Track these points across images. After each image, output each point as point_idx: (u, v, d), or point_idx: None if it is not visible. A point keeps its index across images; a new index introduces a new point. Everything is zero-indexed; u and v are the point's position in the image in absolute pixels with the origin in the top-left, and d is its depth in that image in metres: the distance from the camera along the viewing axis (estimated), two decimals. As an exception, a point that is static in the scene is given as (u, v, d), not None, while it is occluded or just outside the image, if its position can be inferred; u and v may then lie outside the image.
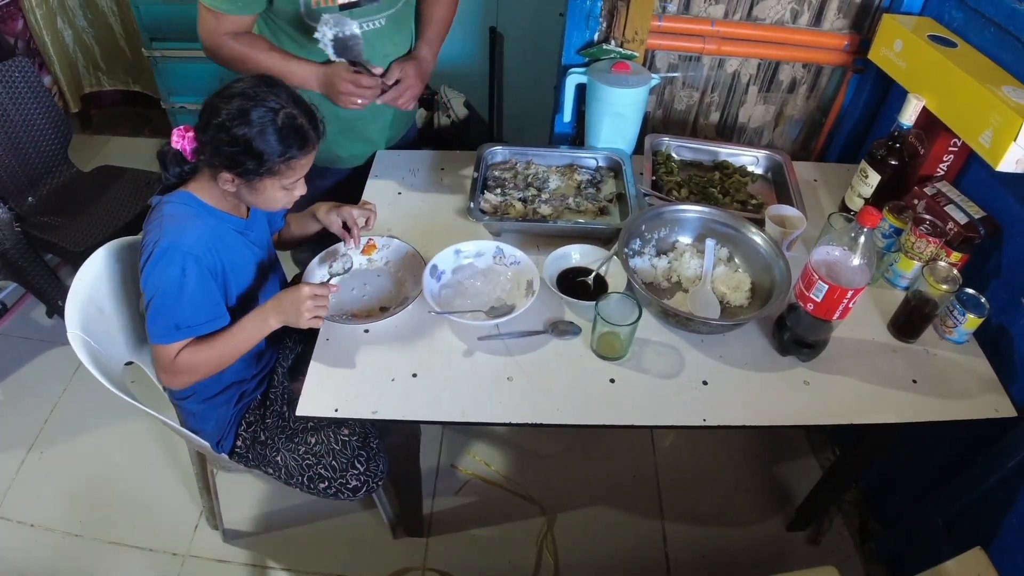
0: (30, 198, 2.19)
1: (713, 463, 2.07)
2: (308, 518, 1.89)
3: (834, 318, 1.23)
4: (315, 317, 1.22)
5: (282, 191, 1.23)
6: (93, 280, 1.39)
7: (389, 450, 1.50)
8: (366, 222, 1.46)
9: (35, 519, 1.87)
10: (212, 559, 1.81)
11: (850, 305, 1.22)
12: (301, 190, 1.27)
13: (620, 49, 1.69)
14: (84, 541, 1.83)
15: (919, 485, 1.66)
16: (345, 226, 1.45)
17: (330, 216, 1.44)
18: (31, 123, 2.15)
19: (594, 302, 1.27)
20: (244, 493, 1.93)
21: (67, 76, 2.98)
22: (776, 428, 1.81)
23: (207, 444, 1.41)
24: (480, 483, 1.99)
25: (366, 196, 1.67)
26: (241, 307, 1.33)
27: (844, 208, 1.63)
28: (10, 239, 2.02)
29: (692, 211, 1.49)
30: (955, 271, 1.35)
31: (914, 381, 1.31)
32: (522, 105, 2.93)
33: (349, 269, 1.38)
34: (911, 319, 1.37)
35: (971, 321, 1.33)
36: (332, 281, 1.35)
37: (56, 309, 2.28)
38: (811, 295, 1.22)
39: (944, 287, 1.31)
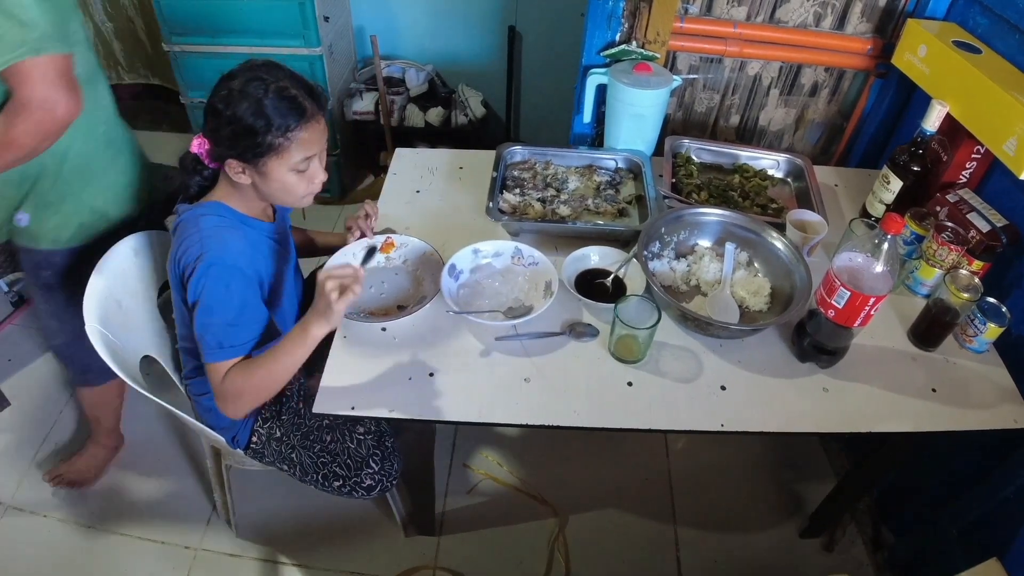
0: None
1: (726, 468, 2.06)
2: (320, 515, 1.89)
3: (855, 325, 1.22)
4: (342, 296, 1.11)
5: (294, 174, 1.20)
6: (112, 274, 1.39)
7: (403, 449, 1.50)
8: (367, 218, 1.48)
9: (48, 511, 1.88)
10: (224, 553, 1.81)
11: (872, 312, 1.21)
12: (319, 175, 1.24)
13: (642, 50, 1.68)
14: (96, 533, 1.84)
15: (933, 495, 1.64)
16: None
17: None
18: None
19: (612, 304, 1.27)
20: (257, 489, 1.93)
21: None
22: (793, 435, 1.80)
23: (223, 439, 1.42)
24: (492, 483, 1.99)
25: (384, 193, 1.68)
26: (273, 315, 1.32)
27: (865, 214, 1.62)
28: (29, 230, 2.03)
29: (712, 214, 1.48)
30: (976, 279, 1.33)
31: (933, 390, 1.30)
32: (539, 104, 2.94)
33: (373, 252, 1.27)
34: (931, 327, 1.36)
35: (992, 330, 1.32)
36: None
37: (72, 301, 2.29)
38: (832, 301, 1.21)
39: (966, 295, 1.30)
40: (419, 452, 1.54)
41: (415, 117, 2.71)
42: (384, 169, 2.86)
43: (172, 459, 2.01)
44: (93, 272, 1.35)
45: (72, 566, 1.77)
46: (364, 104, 2.69)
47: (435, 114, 2.70)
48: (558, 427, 1.20)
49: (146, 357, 1.48)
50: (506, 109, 2.89)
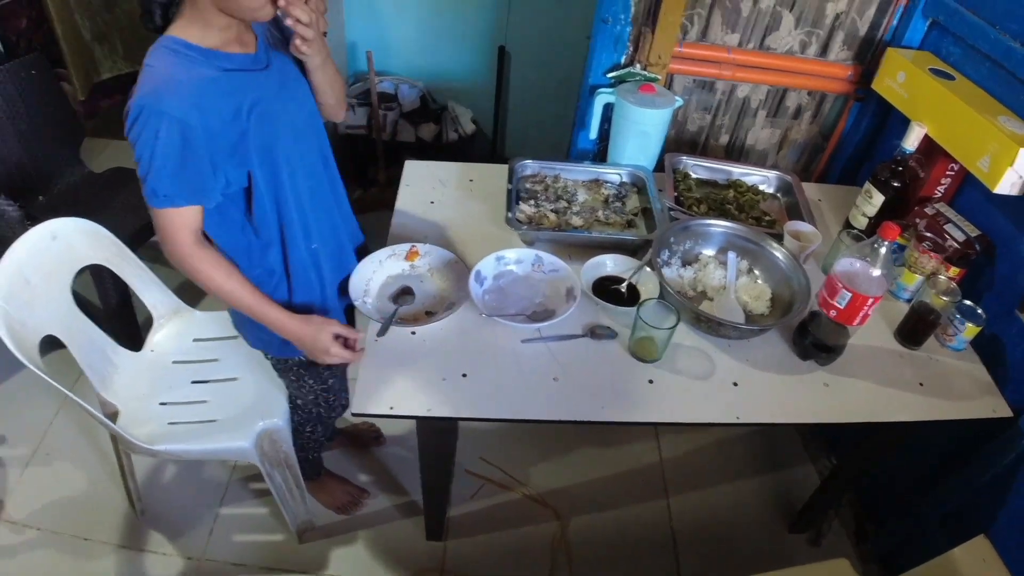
0: (41, 197, 2.17)
1: (717, 471, 2.16)
2: (335, 521, 1.91)
3: (855, 324, 1.34)
4: (334, 358, 1.27)
5: None
6: (27, 253, 1.41)
7: (423, 453, 1.54)
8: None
9: (41, 523, 1.84)
10: (228, 563, 1.81)
11: (869, 312, 1.32)
12: None
13: (645, 72, 1.78)
14: (93, 544, 1.81)
15: (914, 488, 1.75)
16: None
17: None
18: (44, 122, 2.14)
19: (629, 308, 1.35)
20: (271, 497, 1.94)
21: (77, 63, 2.81)
22: (781, 434, 1.89)
23: (118, 428, 1.46)
24: (494, 488, 2.03)
25: (399, 204, 1.71)
26: (267, 161, 1.19)
27: (848, 226, 1.74)
28: (22, 239, 2.00)
29: (717, 226, 1.59)
30: (954, 284, 1.47)
31: (920, 384, 1.42)
32: (525, 123, 3.02)
33: (409, 293, 1.45)
34: (916, 328, 1.48)
35: (970, 330, 1.45)
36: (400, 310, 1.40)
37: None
38: (835, 302, 1.32)
39: (945, 299, 1.43)
40: (440, 457, 1.59)
41: (406, 132, 2.77)
42: (373, 183, 2.91)
43: (168, 470, 2.00)
44: (7, 251, 1.37)
45: (70, 580, 1.75)
46: (356, 118, 2.74)
47: (428, 130, 2.76)
48: (591, 423, 1.27)
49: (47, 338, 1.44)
50: (493, 126, 2.97)
